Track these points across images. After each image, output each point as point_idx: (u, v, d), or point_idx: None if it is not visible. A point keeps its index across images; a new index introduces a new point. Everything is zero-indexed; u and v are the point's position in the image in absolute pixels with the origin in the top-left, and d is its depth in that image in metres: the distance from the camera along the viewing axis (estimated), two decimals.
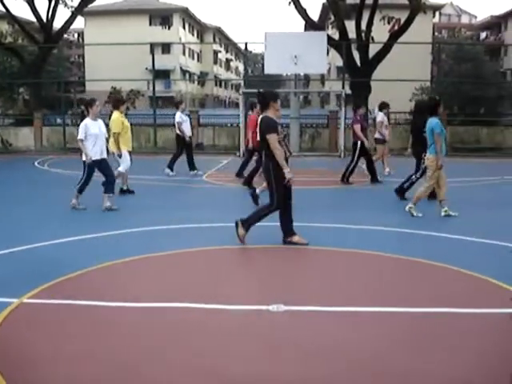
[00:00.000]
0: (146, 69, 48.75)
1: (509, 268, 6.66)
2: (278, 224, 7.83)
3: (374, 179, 14.21)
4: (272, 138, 7.43)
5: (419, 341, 4.62)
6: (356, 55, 26.11)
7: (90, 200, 10.84)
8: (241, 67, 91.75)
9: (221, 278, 6.42)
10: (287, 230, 7.85)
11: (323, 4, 41.70)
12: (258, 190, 10.83)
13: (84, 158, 10.42)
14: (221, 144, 24.77)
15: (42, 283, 5.93)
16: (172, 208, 10.83)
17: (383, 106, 15.53)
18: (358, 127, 13.76)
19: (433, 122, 9.57)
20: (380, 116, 15.46)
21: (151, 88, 25.66)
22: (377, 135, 15.57)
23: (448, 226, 9.12)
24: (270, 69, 22.08)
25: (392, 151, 17.50)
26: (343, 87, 22.91)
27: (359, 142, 13.74)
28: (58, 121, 27.07)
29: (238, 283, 6.23)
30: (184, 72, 70.42)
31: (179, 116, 15.38)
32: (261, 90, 8.23)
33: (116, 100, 12.98)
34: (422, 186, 10.03)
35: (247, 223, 7.76)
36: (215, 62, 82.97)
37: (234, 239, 8.03)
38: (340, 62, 28.39)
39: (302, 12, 25.99)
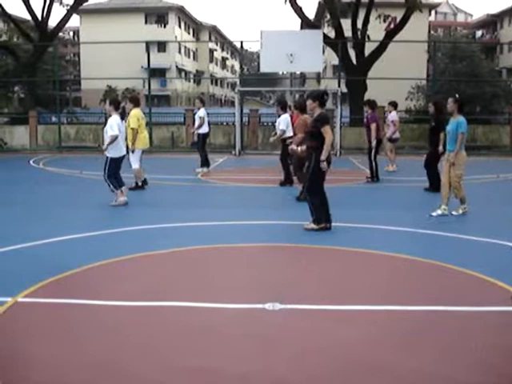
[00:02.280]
0: (142, 67, 48.67)
1: (508, 266, 6.66)
2: (277, 222, 7.77)
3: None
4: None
5: (417, 340, 4.60)
6: (352, 54, 26.14)
7: (86, 199, 10.80)
8: (237, 66, 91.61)
9: (217, 276, 6.39)
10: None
11: (319, 2, 41.66)
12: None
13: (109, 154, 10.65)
14: (216, 143, 24.73)
15: (36, 282, 5.89)
16: (168, 207, 10.80)
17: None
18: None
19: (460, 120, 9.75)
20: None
21: (147, 86, 25.58)
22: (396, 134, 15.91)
23: (444, 225, 9.12)
24: (266, 67, 22.07)
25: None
26: (339, 86, 22.88)
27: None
28: (53, 119, 27.00)
29: (234, 282, 6.20)
30: (180, 70, 70.28)
31: (203, 112, 15.52)
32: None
33: (135, 98, 13.32)
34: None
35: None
36: (211, 61, 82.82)
37: (230, 237, 8.04)
38: (336, 61, 28.35)
39: (298, 10, 25.98)
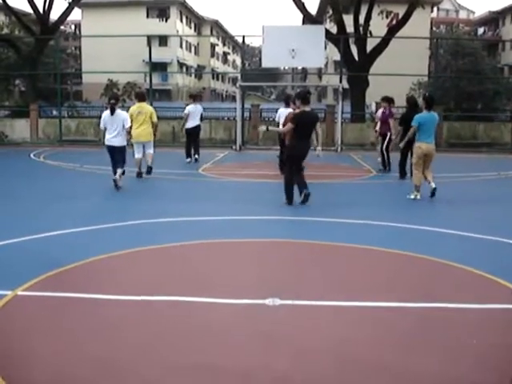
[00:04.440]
0: (143, 61, 48.66)
1: (511, 264, 6.65)
2: (277, 218, 7.81)
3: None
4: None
5: (417, 338, 4.60)
6: (354, 49, 26.08)
7: (86, 192, 10.75)
8: (238, 61, 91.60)
9: (217, 271, 6.38)
10: None
11: None
12: None
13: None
14: (217, 137, 24.71)
15: (37, 275, 5.89)
16: (167, 201, 10.79)
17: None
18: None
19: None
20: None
21: (148, 81, 25.54)
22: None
23: (440, 221, 9.11)
24: (268, 62, 22.02)
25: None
26: (341, 81, 22.84)
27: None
28: (54, 113, 26.96)
29: (234, 277, 6.19)
30: (181, 65, 70.25)
31: (187, 108, 16.58)
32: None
33: (137, 94, 14.43)
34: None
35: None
36: (212, 56, 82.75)
37: (231, 232, 8.03)
38: (337, 56, 28.32)
39: (300, 5, 25.93)
